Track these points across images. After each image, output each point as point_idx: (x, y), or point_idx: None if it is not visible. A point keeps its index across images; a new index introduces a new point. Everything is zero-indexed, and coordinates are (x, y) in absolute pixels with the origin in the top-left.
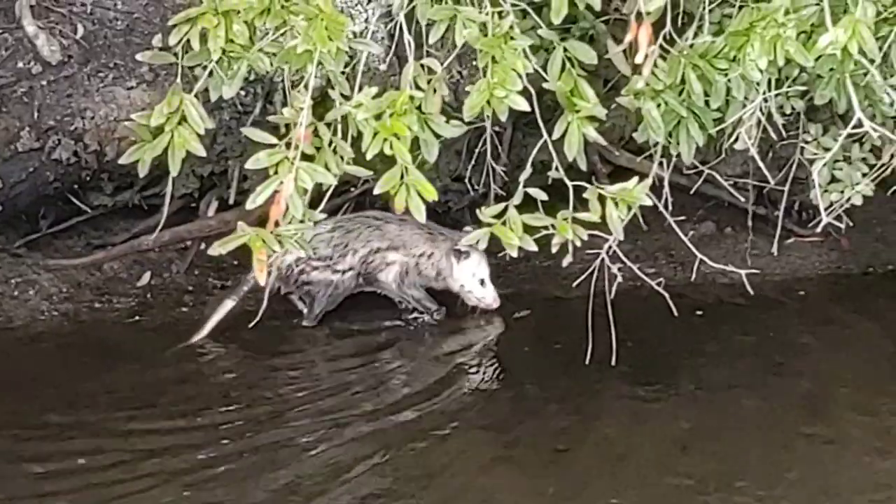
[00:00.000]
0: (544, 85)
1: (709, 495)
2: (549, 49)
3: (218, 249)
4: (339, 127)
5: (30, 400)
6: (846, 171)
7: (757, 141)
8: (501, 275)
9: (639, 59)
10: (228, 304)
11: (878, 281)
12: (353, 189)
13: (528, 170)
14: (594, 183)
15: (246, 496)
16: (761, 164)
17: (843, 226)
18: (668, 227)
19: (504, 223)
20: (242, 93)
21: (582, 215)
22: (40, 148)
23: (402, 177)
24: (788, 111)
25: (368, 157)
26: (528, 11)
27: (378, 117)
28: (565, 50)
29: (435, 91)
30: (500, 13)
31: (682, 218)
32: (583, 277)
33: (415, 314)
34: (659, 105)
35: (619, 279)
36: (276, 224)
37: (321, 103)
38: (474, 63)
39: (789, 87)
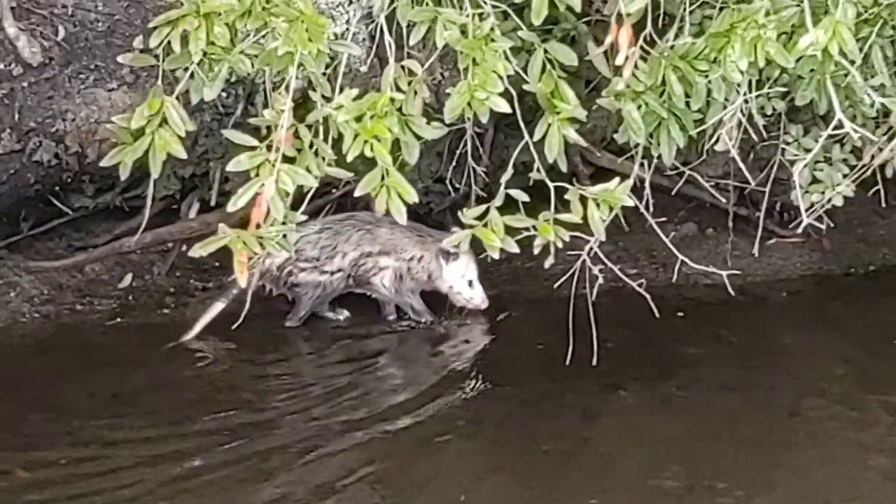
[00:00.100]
0: (525, 86)
1: (691, 497)
2: (530, 50)
3: (199, 251)
4: (320, 129)
5: (10, 402)
6: (827, 172)
7: (738, 142)
8: (483, 277)
9: (619, 61)
10: (219, 306)
11: (860, 281)
12: (334, 191)
13: (510, 171)
14: (575, 184)
15: None
16: (742, 166)
17: (823, 227)
18: (649, 228)
19: (486, 225)
20: (224, 94)
21: (564, 216)
22: (21, 150)
23: (382, 178)
24: (769, 112)
25: (349, 158)
26: (509, 13)
27: (359, 119)
28: (546, 51)
29: (416, 93)
30: (480, 15)
31: (664, 219)
32: (564, 278)
33: (408, 322)
34: (639, 106)
35: (601, 280)
36: (258, 226)
37: (302, 105)
38: (456, 64)
39: (770, 88)
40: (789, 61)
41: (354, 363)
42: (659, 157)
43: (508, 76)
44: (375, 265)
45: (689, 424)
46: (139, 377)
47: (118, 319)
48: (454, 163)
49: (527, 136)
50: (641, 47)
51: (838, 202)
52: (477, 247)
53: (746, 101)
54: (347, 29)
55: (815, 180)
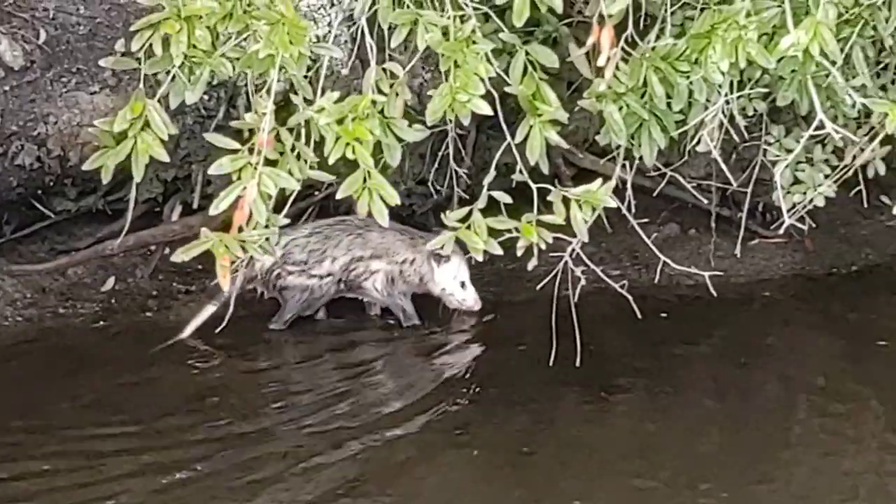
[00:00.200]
0: (507, 88)
1: (673, 497)
2: (512, 52)
3: (181, 256)
4: (302, 131)
5: None
6: (809, 173)
7: (719, 143)
8: None
9: (601, 62)
10: (210, 308)
11: (842, 282)
12: (316, 193)
13: (492, 173)
14: (557, 185)
15: None
16: (724, 166)
17: (805, 227)
18: (632, 230)
19: (469, 227)
20: (206, 97)
21: (546, 218)
22: (3, 153)
23: (364, 181)
24: (751, 113)
25: (331, 161)
26: (490, 15)
27: (340, 122)
28: (527, 53)
29: (397, 95)
30: (461, 17)
31: (646, 220)
32: (547, 280)
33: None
34: (621, 108)
35: (584, 281)
36: (240, 229)
37: (284, 108)
38: (437, 67)
39: (751, 88)
40: (770, 62)
41: (342, 368)
42: (641, 158)
43: (490, 78)
44: (367, 269)
45: (673, 425)
46: (123, 381)
47: (101, 323)
48: (437, 165)
49: (509, 138)
50: (623, 48)
51: (820, 203)
52: (465, 248)
53: (728, 102)
54: (329, 31)
55: (796, 181)
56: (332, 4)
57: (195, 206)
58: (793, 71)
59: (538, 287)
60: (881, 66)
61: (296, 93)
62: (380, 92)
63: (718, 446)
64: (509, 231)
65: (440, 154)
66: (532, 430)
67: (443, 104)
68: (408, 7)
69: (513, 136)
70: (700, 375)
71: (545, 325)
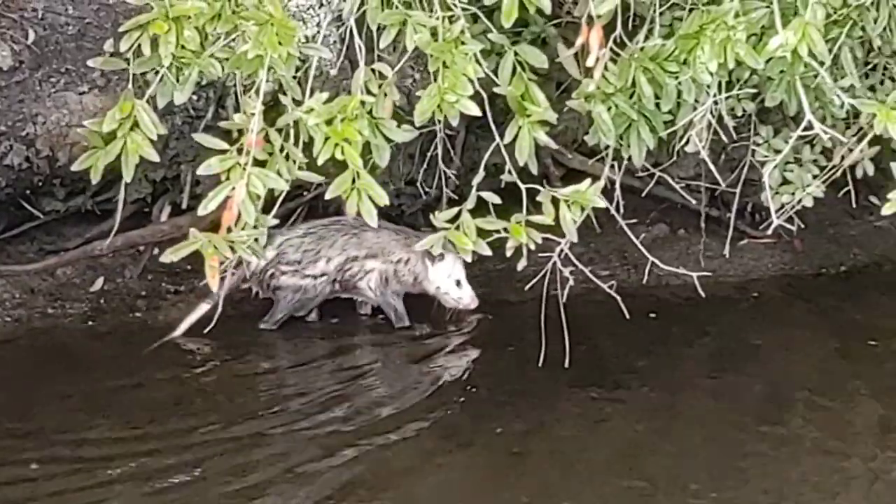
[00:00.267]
0: (496, 89)
1: (661, 498)
2: (500, 53)
3: (170, 256)
4: (291, 132)
5: None
6: (797, 173)
7: (708, 143)
8: None
9: (590, 63)
10: (205, 307)
11: (831, 282)
12: (305, 194)
13: (481, 173)
14: (546, 186)
15: None
16: (712, 167)
17: (794, 228)
18: (621, 230)
19: (458, 227)
20: (195, 97)
21: (535, 218)
22: None
23: (353, 181)
24: (739, 113)
25: (320, 162)
26: (479, 15)
27: (329, 122)
28: (516, 54)
29: (386, 95)
30: (450, 18)
31: (635, 220)
32: (535, 280)
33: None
34: (609, 108)
35: (573, 282)
36: (229, 230)
37: (273, 108)
38: (426, 67)
39: (740, 89)
40: (759, 63)
41: (333, 370)
42: (629, 158)
43: (479, 79)
44: (362, 269)
45: (661, 425)
46: (112, 382)
47: (90, 323)
48: (425, 165)
49: (498, 139)
50: (611, 49)
51: (808, 203)
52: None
53: (716, 103)
54: (318, 32)
55: (785, 181)
56: (321, 5)
57: (184, 206)
58: (781, 71)
59: (527, 288)
60: (870, 66)
61: (285, 93)
62: (369, 92)
63: (707, 446)
64: (498, 231)
65: (429, 154)
66: (522, 430)
67: (431, 105)
68: (397, 8)
69: (502, 137)
70: (689, 375)
71: (535, 326)
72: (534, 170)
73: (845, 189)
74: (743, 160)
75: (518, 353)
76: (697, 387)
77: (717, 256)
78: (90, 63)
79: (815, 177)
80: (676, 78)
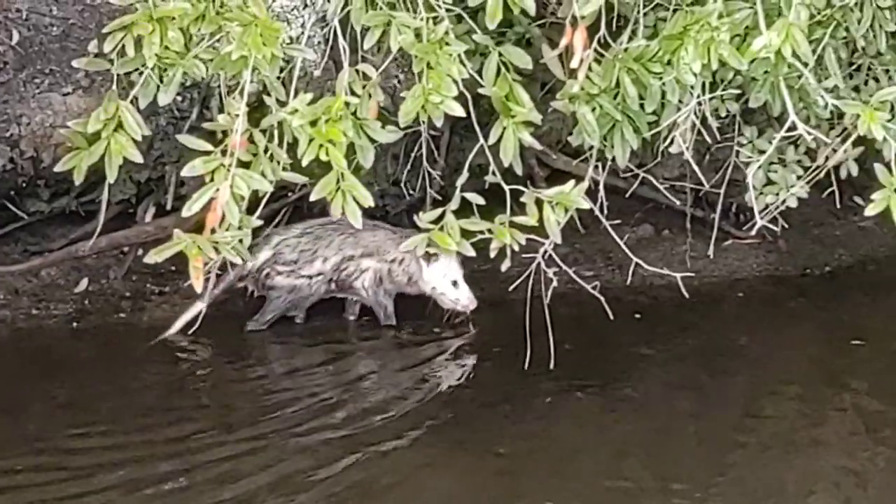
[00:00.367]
0: (480, 90)
1: (647, 498)
2: (485, 54)
3: (154, 257)
4: (275, 133)
5: None
6: (781, 174)
7: (692, 144)
8: None
9: (574, 64)
10: (199, 305)
11: (815, 282)
12: (290, 195)
13: (465, 174)
14: (530, 187)
15: None
16: (696, 168)
17: (778, 228)
18: (605, 230)
19: (441, 228)
20: (179, 98)
21: (519, 219)
22: None
23: (338, 182)
24: (723, 114)
25: (304, 163)
26: (463, 16)
27: (313, 123)
28: (500, 55)
29: (370, 97)
30: (434, 19)
31: (619, 221)
32: (519, 281)
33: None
34: (594, 109)
35: (556, 283)
36: (213, 231)
37: (257, 109)
38: (411, 68)
39: (724, 90)
40: (743, 63)
41: (319, 371)
42: (614, 159)
43: (463, 80)
44: (357, 268)
45: (646, 425)
46: (96, 383)
47: (74, 324)
48: (410, 166)
49: (482, 140)
50: (596, 50)
51: (792, 203)
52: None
53: (700, 103)
54: (302, 33)
55: (769, 182)
56: (305, 6)
57: (168, 207)
58: (765, 72)
59: (510, 288)
60: (854, 67)
61: (269, 94)
62: (353, 93)
63: (691, 447)
64: (482, 232)
65: (413, 155)
66: (505, 430)
67: (416, 105)
68: (381, 9)
69: (486, 138)
70: (673, 376)
71: (519, 326)
72: (518, 170)
73: (829, 190)
74: (727, 161)
75: (502, 352)
76: (682, 387)
77: (701, 257)
78: (74, 64)
79: (799, 177)
80: (660, 79)
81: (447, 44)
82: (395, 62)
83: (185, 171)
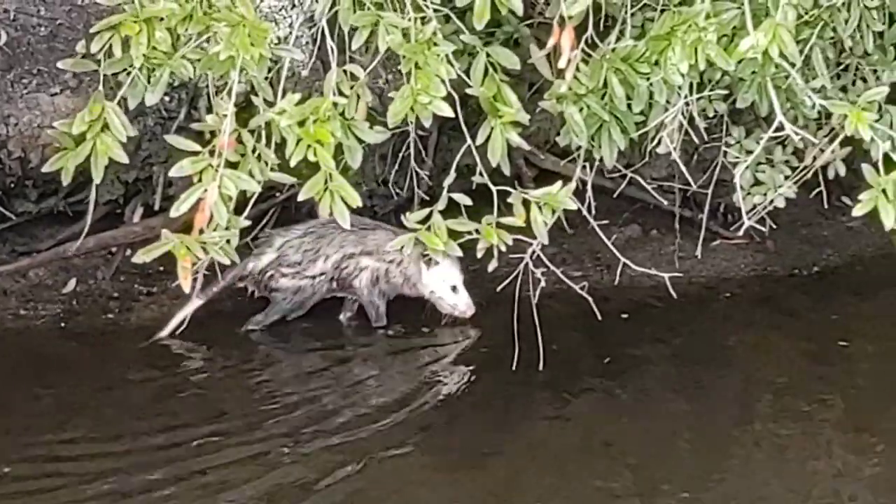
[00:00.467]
0: (468, 90)
1: (635, 498)
2: (473, 54)
3: (142, 257)
4: (263, 133)
5: None
6: (769, 174)
7: (680, 144)
8: None
9: (561, 64)
10: (195, 303)
11: (804, 282)
12: (278, 195)
13: (453, 174)
14: (517, 187)
15: None
16: (684, 168)
17: (766, 229)
18: (594, 230)
19: (429, 228)
20: (167, 98)
21: (506, 220)
22: None
23: (326, 183)
24: (711, 114)
25: (293, 163)
26: (451, 17)
27: (301, 124)
28: (488, 55)
29: (358, 97)
30: (422, 19)
31: (607, 221)
32: (507, 282)
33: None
34: (581, 109)
35: (544, 283)
36: (201, 231)
37: (245, 109)
38: (399, 68)
39: (711, 90)
40: (730, 64)
41: (308, 372)
42: (601, 159)
43: (451, 80)
44: (357, 266)
45: (635, 426)
46: (85, 383)
47: (62, 324)
48: (398, 166)
49: (469, 140)
50: (583, 50)
51: (780, 204)
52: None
53: (688, 104)
54: (290, 33)
55: (757, 182)
56: (293, 6)
57: (156, 207)
58: (753, 72)
59: (498, 289)
60: (841, 67)
61: (257, 94)
62: (341, 94)
63: (680, 447)
64: (470, 233)
65: (401, 155)
66: (493, 431)
67: (404, 106)
68: (368, 9)
69: (474, 138)
70: (662, 376)
71: (507, 326)
72: (506, 171)
73: (817, 190)
74: (715, 161)
75: (490, 353)
76: (670, 387)
77: (689, 257)
78: (60, 64)
79: (786, 177)
80: (648, 79)
81: (435, 44)
82: (383, 63)
83: (173, 172)
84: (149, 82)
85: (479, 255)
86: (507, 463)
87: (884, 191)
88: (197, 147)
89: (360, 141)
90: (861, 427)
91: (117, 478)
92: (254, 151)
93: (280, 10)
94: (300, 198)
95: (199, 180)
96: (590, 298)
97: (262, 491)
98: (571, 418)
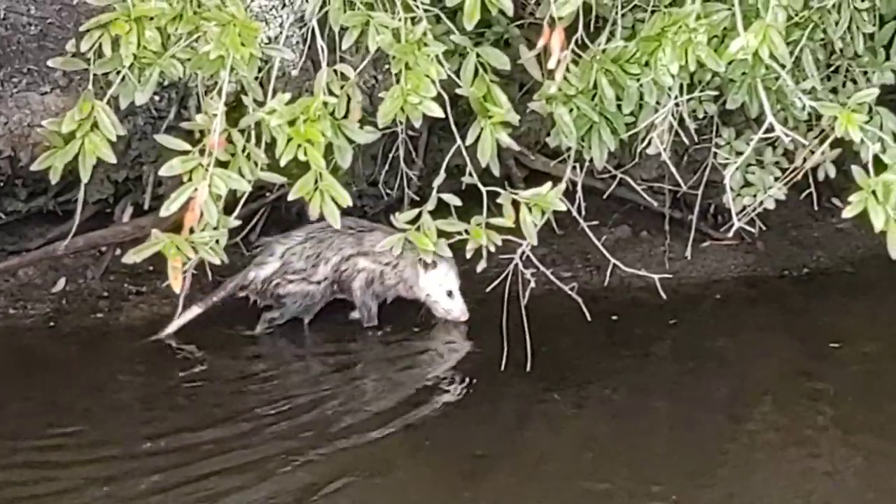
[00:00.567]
0: (458, 90)
1: (625, 499)
2: (463, 54)
3: (132, 257)
4: (253, 133)
5: None
6: (759, 175)
7: (670, 145)
8: None
9: (551, 64)
10: (196, 310)
11: (794, 284)
12: (268, 195)
13: (442, 175)
14: (507, 188)
15: None
16: (674, 169)
17: (755, 230)
18: (583, 231)
19: (418, 228)
20: (157, 98)
21: (496, 221)
22: None
23: (316, 182)
24: (701, 115)
25: (283, 163)
26: (441, 17)
27: (291, 123)
28: (478, 55)
29: (349, 97)
30: (413, 19)
31: (597, 222)
32: (497, 282)
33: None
34: (571, 110)
35: (534, 284)
36: (192, 230)
37: (235, 109)
38: (389, 68)
39: (701, 91)
40: (720, 65)
41: (298, 373)
42: (591, 160)
43: (441, 80)
44: (354, 268)
45: (624, 427)
46: (74, 383)
47: (52, 324)
48: (388, 166)
49: (459, 141)
50: (573, 51)
51: (770, 205)
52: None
53: (678, 105)
54: (280, 33)
55: (747, 183)
56: (284, 6)
57: (146, 207)
58: (743, 74)
59: (487, 289)
60: (831, 68)
61: (247, 94)
62: (331, 93)
63: (670, 448)
64: (459, 233)
65: (391, 156)
66: (482, 432)
67: (394, 106)
68: (359, 9)
69: (464, 139)
70: (652, 377)
71: (496, 327)
72: (496, 171)
73: (807, 191)
74: (705, 162)
75: (480, 354)
76: (660, 388)
77: (679, 258)
78: (49, 63)
79: (776, 179)
80: (638, 80)
81: (425, 44)
82: (373, 62)
83: (163, 171)
84: (139, 81)
85: (469, 255)
86: (496, 464)
87: (874, 192)
88: (187, 146)
89: (351, 141)
90: (852, 427)
91: (108, 488)
92: (244, 151)
93: (270, 9)
94: (290, 197)
95: (189, 180)
96: (579, 299)
97: (258, 499)
98: (560, 419)
